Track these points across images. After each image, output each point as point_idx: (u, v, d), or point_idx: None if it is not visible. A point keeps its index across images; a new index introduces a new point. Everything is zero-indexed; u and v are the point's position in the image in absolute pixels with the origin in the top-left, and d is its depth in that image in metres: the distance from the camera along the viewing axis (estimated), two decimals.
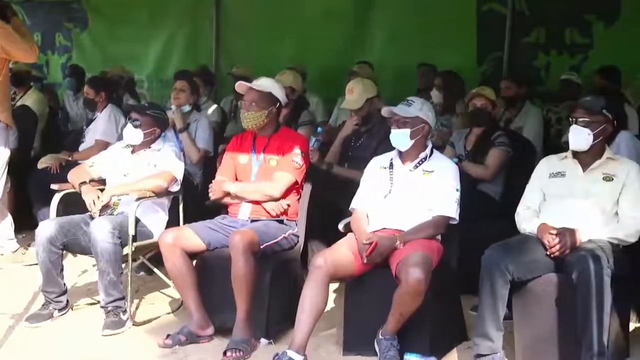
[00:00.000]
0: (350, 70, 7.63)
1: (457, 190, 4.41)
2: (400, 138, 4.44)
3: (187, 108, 6.45)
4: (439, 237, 4.40)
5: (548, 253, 4.01)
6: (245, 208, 4.76)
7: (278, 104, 4.84)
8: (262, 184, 4.74)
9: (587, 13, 7.82)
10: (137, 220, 4.81)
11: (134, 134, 5.14)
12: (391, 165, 4.53)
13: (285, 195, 4.74)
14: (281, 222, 4.69)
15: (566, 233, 4.00)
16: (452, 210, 4.36)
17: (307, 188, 4.87)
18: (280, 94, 4.86)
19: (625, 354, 4.21)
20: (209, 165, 6.24)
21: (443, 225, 4.37)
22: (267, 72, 5.46)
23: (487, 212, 5.20)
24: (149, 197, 4.90)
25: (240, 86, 4.85)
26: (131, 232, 4.71)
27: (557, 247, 3.98)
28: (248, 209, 4.75)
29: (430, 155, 4.51)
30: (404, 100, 4.53)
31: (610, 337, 3.88)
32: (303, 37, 8.92)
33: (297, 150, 4.75)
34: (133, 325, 4.80)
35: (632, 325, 4.49)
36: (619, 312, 4.04)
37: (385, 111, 4.54)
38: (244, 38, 9.53)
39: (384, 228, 4.37)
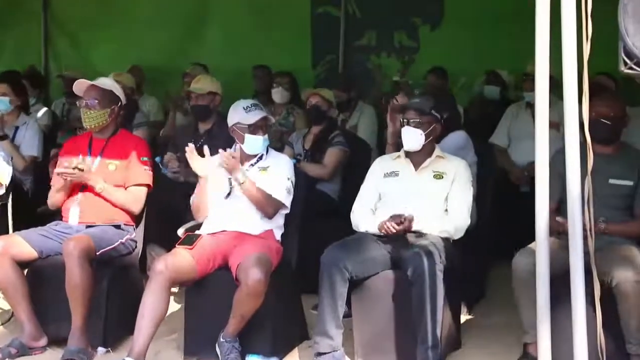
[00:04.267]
0: (184, 72, 7.55)
1: (289, 179, 4.45)
2: (261, 143, 4.47)
3: (6, 106, 6.12)
4: (278, 238, 4.44)
5: (391, 229, 4.09)
6: (74, 212, 4.59)
7: (119, 103, 4.73)
8: (127, 197, 4.61)
9: (413, 16, 8.12)
10: None
11: None
12: None
13: None
14: (118, 227, 4.57)
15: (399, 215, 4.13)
16: (281, 195, 4.39)
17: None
18: (120, 93, 4.76)
19: (457, 345, 4.41)
20: (39, 170, 5.98)
21: (273, 205, 4.38)
22: (100, 73, 5.30)
23: (325, 211, 5.29)
24: None
25: (80, 84, 4.69)
26: None
27: (395, 225, 4.07)
28: (77, 213, 4.59)
29: (266, 154, 4.56)
30: (248, 106, 4.51)
31: (443, 330, 4.05)
32: (137, 38, 8.70)
33: (144, 158, 4.67)
34: None
35: (463, 317, 4.71)
36: (451, 305, 4.23)
37: (248, 118, 4.48)
38: (76, 39, 9.19)
39: (224, 230, 4.37)
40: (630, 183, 4.07)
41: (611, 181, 4.04)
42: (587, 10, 2.87)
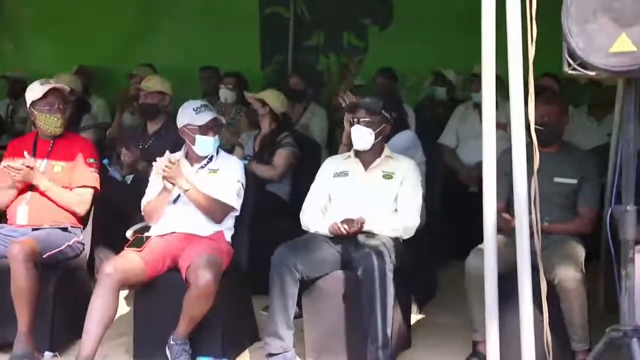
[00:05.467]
0: (130, 73, 7.47)
1: (239, 181, 4.44)
2: (212, 145, 4.45)
3: None
4: (228, 239, 4.42)
5: (342, 231, 4.12)
6: (22, 212, 4.51)
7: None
8: (72, 198, 4.55)
9: (362, 17, 8.17)
10: None
11: None
12: None
13: None
14: (65, 229, 4.51)
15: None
16: (231, 198, 4.38)
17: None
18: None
19: (408, 344, 4.44)
20: None
21: (222, 210, 4.37)
22: (45, 74, 5.21)
23: (276, 212, 5.28)
24: None
25: (46, 84, 4.61)
26: None
27: (347, 227, 4.11)
28: (25, 213, 4.51)
29: (216, 155, 4.54)
30: (198, 107, 4.48)
31: (393, 329, 4.07)
32: (84, 39, 8.60)
33: (90, 160, 4.63)
34: None
35: (413, 317, 4.73)
36: (401, 304, 4.25)
37: (198, 119, 4.45)
38: (20, 39, 9.04)
39: (174, 232, 4.33)
40: (574, 181, 4.14)
41: (556, 180, 4.11)
42: (532, 11, 2.92)
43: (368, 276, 3.94)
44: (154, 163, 4.37)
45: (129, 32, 8.65)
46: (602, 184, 4.36)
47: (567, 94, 6.13)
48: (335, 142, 6.62)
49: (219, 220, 4.38)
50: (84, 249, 4.64)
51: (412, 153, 4.80)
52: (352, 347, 4.11)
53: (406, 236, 4.31)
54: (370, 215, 4.20)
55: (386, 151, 4.47)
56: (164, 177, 4.27)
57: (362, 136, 4.36)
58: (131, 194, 4.88)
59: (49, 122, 4.58)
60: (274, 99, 5.68)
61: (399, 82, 7.43)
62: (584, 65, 2.67)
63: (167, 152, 4.32)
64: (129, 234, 4.49)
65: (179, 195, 4.38)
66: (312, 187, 4.54)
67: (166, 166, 4.24)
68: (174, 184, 4.29)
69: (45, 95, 4.55)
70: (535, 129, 3.07)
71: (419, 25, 7.74)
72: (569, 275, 3.71)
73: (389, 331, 3.96)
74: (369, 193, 4.33)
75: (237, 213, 4.45)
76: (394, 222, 4.28)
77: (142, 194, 4.52)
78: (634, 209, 2.85)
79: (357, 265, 4.03)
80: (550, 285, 3.56)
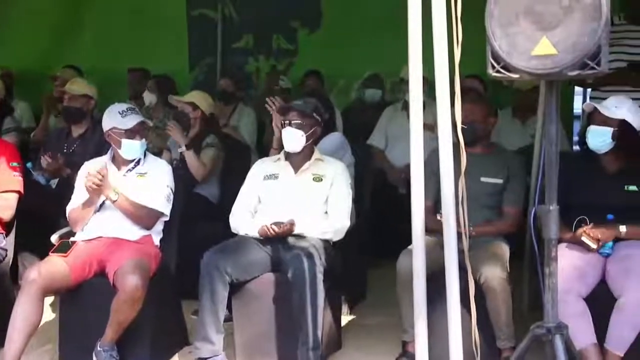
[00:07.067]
0: (53, 75, 7.32)
1: (168, 186, 4.41)
2: (139, 148, 4.41)
3: None
4: (157, 243, 4.37)
5: (271, 232, 4.12)
6: None
7: None
8: None
9: (292, 19, 8.17)
10: None
11: None
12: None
13: None
14: None
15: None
16: (160, 204, 4.34)
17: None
18: None
19: (338, 346, 4.45)
20: None
21: (151, 216, 4.33)
22: None
23: (204, 215, 5.23)
24: None
25: None
26: None
27: (276, 228, 4.11)
28: None
29: (144, 158, 4.48)
30: (124, 111, 4.42)
31: (324, 330, 4.08)
32: (7, 40, 8.39)
33: (14, 164, 4.54)
34: None
35: (344, 318, 4.75)
36: (331, 305, 4.27)
37: (125, 122, 4.39)
38: None
39: (100, 236, 4.26)
40: (500, 181, 4.21)
41: (483, 179, 4.17)
42: (457, 14, 2.95)
43: (298, 278, 3.94)
44: (80, 171, 4.28)
45: (55, 32, 8.47)
46: (527, 184, 4.44)
47: (493, 96, 6.22)
48: (265, 144, 6.62)
49: (149, 227, 4.33)
50: (6, 255, 4.53)
51: (341, 155, 4.83)
52: (283, 349, 4.11)
53: (336, 238, 4.33)
54: (301, 217, 4.20)
55: (316, 154, 4.48)
56: (91, 188, 4.19)
57: (293, 138, 4.36)
58: (56, 199, 4.80)
59: None
60: (202, 100, 5.65)
61: (328, 84, 7.46)
62: (507, 67, 2.71)
63: (100, 167, 4.24)
64: (54, 238, 4.40)
65: (104, 200, 4.31)
66: (242, 189, 4.52)
67: (89, 179, 4.15)
68: (101, 194, 4.22)
69: None
70: (461, 128, 3.11)
71: (348, 28, 7.78)
72: (495, 274, 3.78)
73: (319, 333, 3.97)
74: (299, 196, 4.34)
75: (167, 218, 4.41)
76: (324, 224, 4.29)
77: (68, 198, 4.44)
78: (556, 209, 2.90)
79: (287, 268, 4.03)
80: (476, 285, 3.61)
